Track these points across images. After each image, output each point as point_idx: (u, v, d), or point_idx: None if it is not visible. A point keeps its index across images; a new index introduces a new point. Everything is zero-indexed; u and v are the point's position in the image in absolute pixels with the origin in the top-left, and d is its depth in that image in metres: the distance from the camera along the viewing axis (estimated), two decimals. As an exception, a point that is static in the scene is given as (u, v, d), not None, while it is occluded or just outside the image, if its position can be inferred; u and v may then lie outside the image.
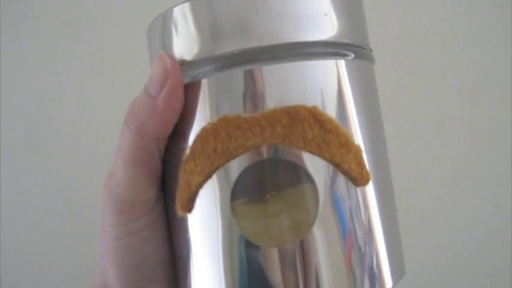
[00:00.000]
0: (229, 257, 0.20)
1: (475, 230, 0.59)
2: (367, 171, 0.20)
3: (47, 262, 0.64)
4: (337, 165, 0.19)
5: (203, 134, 0.20)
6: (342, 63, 0.21)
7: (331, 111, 0.20)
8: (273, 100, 0.20)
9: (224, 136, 0.19)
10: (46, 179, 0.64)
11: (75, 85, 0.64)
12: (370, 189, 0.21)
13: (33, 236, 0.64)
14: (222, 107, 0.20)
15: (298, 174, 0.19)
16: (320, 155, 0.19)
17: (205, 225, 0.21)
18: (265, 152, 0.19)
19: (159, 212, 0.22)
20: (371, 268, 0.21)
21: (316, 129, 0.19)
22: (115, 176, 0.22)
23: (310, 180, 0.19)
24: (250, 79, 0.20)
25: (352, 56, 0.22)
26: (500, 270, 0.59)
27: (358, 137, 0.21)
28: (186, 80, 0.21)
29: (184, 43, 0.21)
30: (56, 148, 0.64)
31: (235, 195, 0.20)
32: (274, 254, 0.19)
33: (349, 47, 0.22)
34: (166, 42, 0.22)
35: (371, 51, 0.24)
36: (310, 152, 0.19)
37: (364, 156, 0.20)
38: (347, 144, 0.20)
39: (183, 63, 0.21)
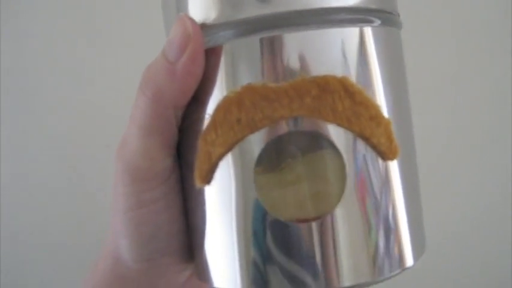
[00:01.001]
0: (245, 230, 0.19)
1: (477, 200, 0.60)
2: (396, 145, 0.19)
3: (48, 262, 0.64)
4: (366, 139, 0.19)
5: (226, 103, 0.19)
6: (368, 30, 0.20)
7: (359, 81, 0.19)
8: (297, 69, 0.19)
9: (249, 106, 0.18)
10: (47, 170, 0.63)
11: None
12: (395, 163, 0.20)
13: (34, 235, 0.64)
14: (243, 75, 0.19)
15: (324, 146, 0.19)
16: (349, 128, 0.18)
17: (224, 197, 0.20)
18: (291, 124, 0.18)
19: (174, 182, 0.22)
20: (392, 247, 0.20)
21: (347, 101, 0.18)
22: (128, 144, 0.21)
23: (337, 153, 0.19)
24: (272, 47, 0.19)
25: (379, 22, 0.21)
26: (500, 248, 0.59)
27: (386, 109, 0.20)
28: (206, 45, 0.20)
29: (202, 5, 0.20)
30: (59, 134, 0.63)
31: (258, 165, 0.19)
32: (293, 227, 0.19)
33: (375, 12, 0.21)
34: (182, 4, 0.20)
35: (398, 16, 0.23)
36: (339, 125, 0.18)
37: (393, 129, 0.20)
38: (377, 117, 0.19)
39: (203, 27, 0.20)
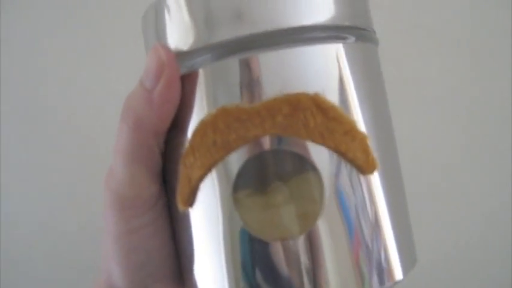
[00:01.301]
0: (232, 252, 0.19)
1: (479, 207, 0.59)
2: (373, 159, 0.19)
3: (49, 261, 0.64)
4: (342, 154, 0.19)
5: (202, 126, 0.19)
6: (342, 47, 0.20)
7: (333, 98, 0.19)
8: (272, 89, 0.19)
9: (223, 128, 0.19)
10: (47, 175, 0.64)
11: (75, 81, 0.63)
12: (376, 177, 0.20)
13: (33, 235, 0.64)
14: (220, 97, 0.19)
15: (302, 164, 0.19)
16: (324, 143, 0.19)
17: (207, 219, 0.20)
18: (266, 143, 0.19)
19: (161, 207, 0.22)
20: (379, 261, 0.20)
21: (319, 117, 0.19)
22: (115, 173, 0.21)
23: (314, 169, 0.19)
24: (247, 68, 0.19)
25: (353, 39, 0.21)
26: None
27: (362, 124, 0.20)
28: (183, 71, 0.20)
29: (179, 32, 0.20)
30: (56, 143, 0.63)
31: (238, 186, 0.19)
32: (278, 247, 0.19)
33: (350, 29, 0.21)
34: (160, 32, 0.21)
35: (374, 32, 0.23)
36: (313, 141, 0.18)
37: (370, 143, 0.20)
38: (352, 131, 0.19)
39: (179, 54, 0.20)
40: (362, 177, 0.19)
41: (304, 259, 0.19)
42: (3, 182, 0.63)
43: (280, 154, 0.19)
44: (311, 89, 0.19)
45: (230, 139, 0.19)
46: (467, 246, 0.58)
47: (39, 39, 0.63)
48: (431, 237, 0.56)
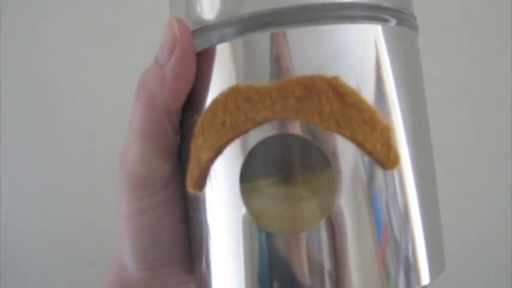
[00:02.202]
0: (241, 242, 0.18)
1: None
2: (395, 154, 0.17)
3: (50, 260, 0.65)
4: (359, 145, 0.17)
5: (213, 106, 0.18)
6: (381, 28, 0.18)
7: (363, 83, 0.18)
8: (295, 69, 0.17)
9: (233, 108, 0.18)
10: (47, 174, 0.64)
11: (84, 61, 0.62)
12: (402, 173, 0.18)
13: (34, 234, 0.65)
14: (235, 76, 0.18)
15: (313, 154, 0.17)
16: (339, 132, 0.17)
17: (216, 205, 0.19)
18: (277, 127, 0.17)
19: (174, 189, 0.21)
20: (407, 262, 0.18)
21: (336, 102, 0.17)
22: (127, 151, 0.21)
23: (325, 159, 0.17)
24: (270, 44, 0.18)
25: (394, 22, 0.19)
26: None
27: (396, 114, 0.18)
28: (200, 48, 0.19)
29: (202, 5, 0.19)
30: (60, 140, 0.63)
31: (248, 174, 0.18)
32: (295, 241, 0.18)
33: (391, 11, 0.19)
34: (178, 7, 0.20)
35: (415, 19, 0.21)
36: (327, 128, 0.17)
37: (394, 135, 0.18)
38: (372, 121, 0.17)
39: (197, 30, 0.19)
40: (385, 172, 0.18)
41: (326, 255, 0.17)
42: (3, 182, 0.64)
43: (291, 141, 0.18)
44: (335, 71, 0.17)
45: (239, 120, 0.18)
46: (467, 245, 0.57)
47: (44, 36, 0.63)
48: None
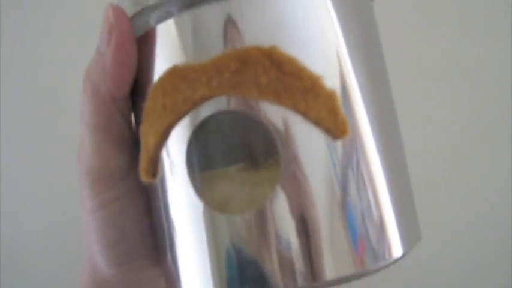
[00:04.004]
0: (203, 230, 0.18)
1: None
2: (343, 120, 0.16)
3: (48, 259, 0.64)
4: (302, 114, 0.16)
5: (153, 89, 0.18)
6: None
7: (306, 50, 0.17)
8: (226, 43, 0.17)
9: (171, 90, 0.17)
10: (47, 174, 0.63)
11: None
12: (361, 139, 0.17)
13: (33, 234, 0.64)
14: (174, 57, 0.18)
15: (256, 128, 0.17)
16: (279, 102, 0.16)
17: (172, 193, 0.18)
18: (218, 105, 0.17)
19: (133, 180, 0.21)
20: (375, 234, 0.17)
21: (273, 72, 0.16)
22: (82, 144, 0.20)
23: (269, 134, 0.16)
24: (206, 19, 0.17)
25: None
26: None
27: (350, 79, 0.17)
28: (141, 32, 0.19)
29: None
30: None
31: (191, 159, 0.17)
32: (250, 221, 0.17)
33: None
34: None
35: None
36: (266, 100, 0.16)
37: (341, 102, 0.17)
38: (314, 88, 0.16)
39: (139, 12, 0.19)
40: (337, 142, 0.17)
41: (292, 233, 0.17)
42: (3, 182, 0.64)
43: (233, 120, 0.17)
44: (278, 41, 0.16)
45: (178, 101, 0.17)
46: (465, 245, 0.55)
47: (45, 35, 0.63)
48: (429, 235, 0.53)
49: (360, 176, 0.17)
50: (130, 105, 0.20)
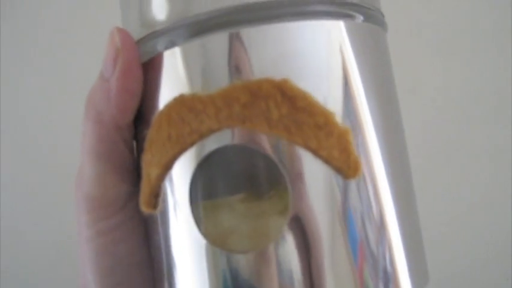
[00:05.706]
0: (204, 265, 0.17)
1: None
2: (355, 159, 0.16)
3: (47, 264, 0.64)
4: (313, 152, 0.16)
5: (158, 118, 0.17)
6: (345, 25, 0.17)
7: (320, 84, 0.16)
8: (237, 75, 0.16)
9: (177, 120, 0.16)
10: (47, 174, 0.63)
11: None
12: (374, 179, 0.17)
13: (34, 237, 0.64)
14: (181, 84, 0.17)
15: (264, 163, 0.16)
16: (290, 139, 0.15)
17: (173, 225, 0.18)
18: (226, 139, 0.16)
19: (132, 210, 0.20)
20: (385, 276, 0.16)
21: (285, 107, 0.15)
22: (81, 171, 0.20)
23: (278, 170, 0.16)
24: (219, 48, 0.16)
25: (361, 18, 0.18)
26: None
27: (365, 116, 0.17)
28: (147, 57, 0.18)
29: (148, 9, 0.18)
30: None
31: (195, 193, 0.17)
32: (254, 259, 0.16)
33: (357, 7, 0.18)
34: (127, 12, 0.19)
35: (383, 16, 0.20)
36: (277, 135, 0.15)
37: (355, 140, 0.16)
38: (327, 125, 0.16)
39: (147, 36, 0.18)
40: (347, 182, 0.16)
41: (297, 275, 0.16)
42: (3, 182, 0.64)
43: (240, 153, 0.16)
44: (290, 74, 0.16)
45: (184, 132, 0.16)
46: (465, 244, 0.56)
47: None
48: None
49: (371, 217, 0.16)
50: (133, 132, 0.19)
